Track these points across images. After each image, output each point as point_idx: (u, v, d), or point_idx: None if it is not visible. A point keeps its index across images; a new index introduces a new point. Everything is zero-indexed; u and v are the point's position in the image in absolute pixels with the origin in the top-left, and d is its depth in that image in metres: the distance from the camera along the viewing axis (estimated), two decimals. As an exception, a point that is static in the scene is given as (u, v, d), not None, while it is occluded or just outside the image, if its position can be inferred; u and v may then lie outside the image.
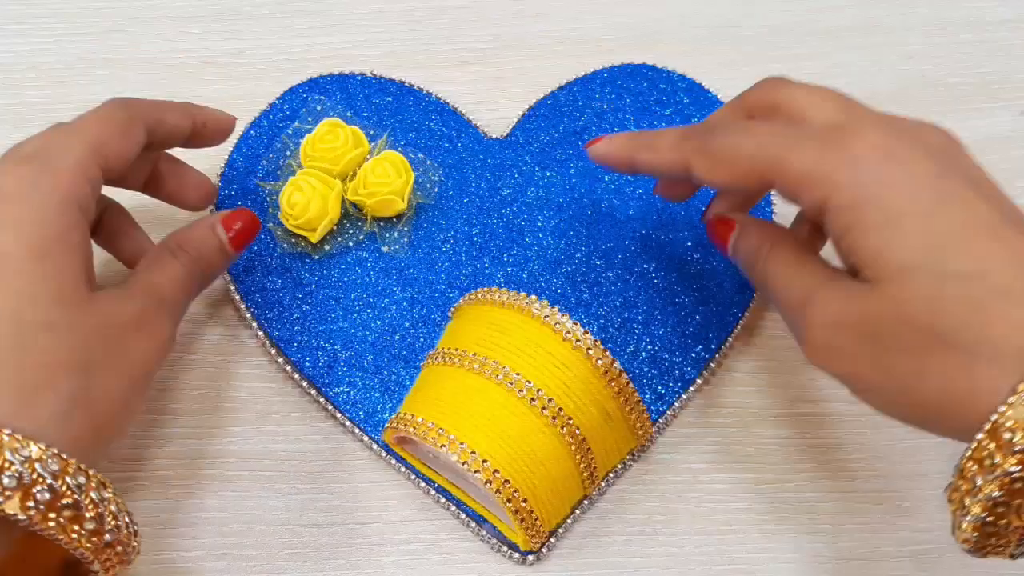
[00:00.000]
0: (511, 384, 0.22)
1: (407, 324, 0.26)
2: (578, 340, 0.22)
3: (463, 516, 0.25)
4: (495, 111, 0.30)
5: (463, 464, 0.22)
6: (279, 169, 0.28)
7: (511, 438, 0.22)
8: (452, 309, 0.26)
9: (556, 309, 0.22)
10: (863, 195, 0.19)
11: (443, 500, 0.25)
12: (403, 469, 0.25)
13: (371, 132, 0.28)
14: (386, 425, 0.24)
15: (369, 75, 0.29)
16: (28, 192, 0.20)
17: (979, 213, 0.18)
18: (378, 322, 0.26)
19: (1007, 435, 0.16)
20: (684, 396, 0.26)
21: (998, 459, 0.17)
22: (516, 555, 0.24)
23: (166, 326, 0.22)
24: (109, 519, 0.19)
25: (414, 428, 0.23)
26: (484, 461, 0.21)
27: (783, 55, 0.32)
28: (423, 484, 0.25)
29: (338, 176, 0.27)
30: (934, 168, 0.19)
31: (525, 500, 0.22)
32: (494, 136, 0.29)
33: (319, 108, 0.28)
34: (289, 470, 0.26)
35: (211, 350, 0.27)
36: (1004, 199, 0.20)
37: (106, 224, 0.25)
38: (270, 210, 0.27)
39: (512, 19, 0.33)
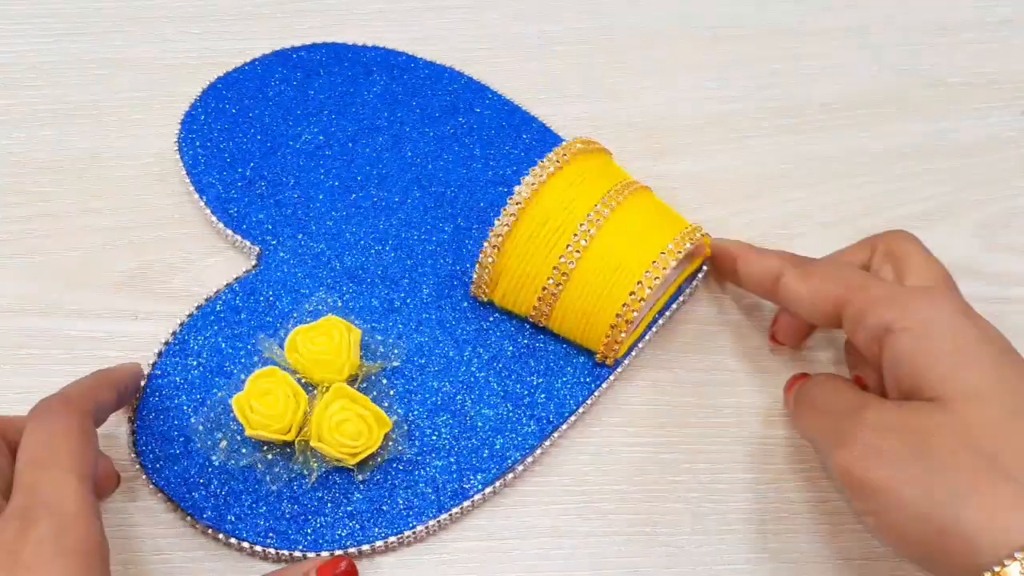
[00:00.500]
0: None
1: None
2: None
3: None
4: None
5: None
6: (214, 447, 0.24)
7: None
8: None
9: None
10: (936, 327, 0.20)
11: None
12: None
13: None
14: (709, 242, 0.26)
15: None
16: (43, 557, 0.18)
17: None
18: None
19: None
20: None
21: None
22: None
23: None
24: None
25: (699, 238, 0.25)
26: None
27: (783, 55, 0.32)
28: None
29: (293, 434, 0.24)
30: (999, 337, 0.20)
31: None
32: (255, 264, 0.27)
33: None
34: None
35: None
36: None
37: None
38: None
39: (512, 20, 0.33)
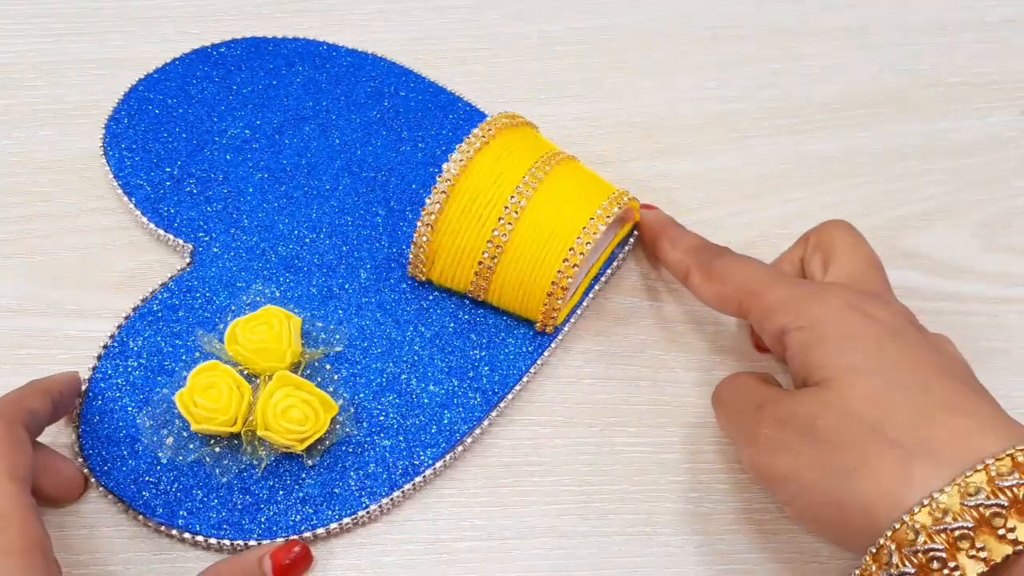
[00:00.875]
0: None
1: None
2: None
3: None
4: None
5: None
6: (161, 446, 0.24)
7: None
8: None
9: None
10: (824, 321, 0.21)
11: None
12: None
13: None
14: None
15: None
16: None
17: (927, 353, 0.20)
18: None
19: (910, 535, 0.17)
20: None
21: (895, 559, 0.17)
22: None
23: None
24: None
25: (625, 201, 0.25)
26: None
27: (783, 55, 0.32)
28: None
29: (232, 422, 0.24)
30: (892, 321, 0.21)
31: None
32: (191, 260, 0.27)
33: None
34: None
35: None
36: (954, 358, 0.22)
37: None
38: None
39: (512, 20, 0.33)
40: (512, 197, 0.24)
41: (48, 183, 0.30)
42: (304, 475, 0.24)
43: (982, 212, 0.30)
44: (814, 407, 0.20)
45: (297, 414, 0.23)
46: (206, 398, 0.23)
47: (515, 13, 0.33)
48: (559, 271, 0.24)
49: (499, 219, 0.24)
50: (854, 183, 0.30)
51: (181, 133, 0.29)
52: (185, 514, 0.23)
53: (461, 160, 0.24)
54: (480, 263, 0.24)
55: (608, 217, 0.24)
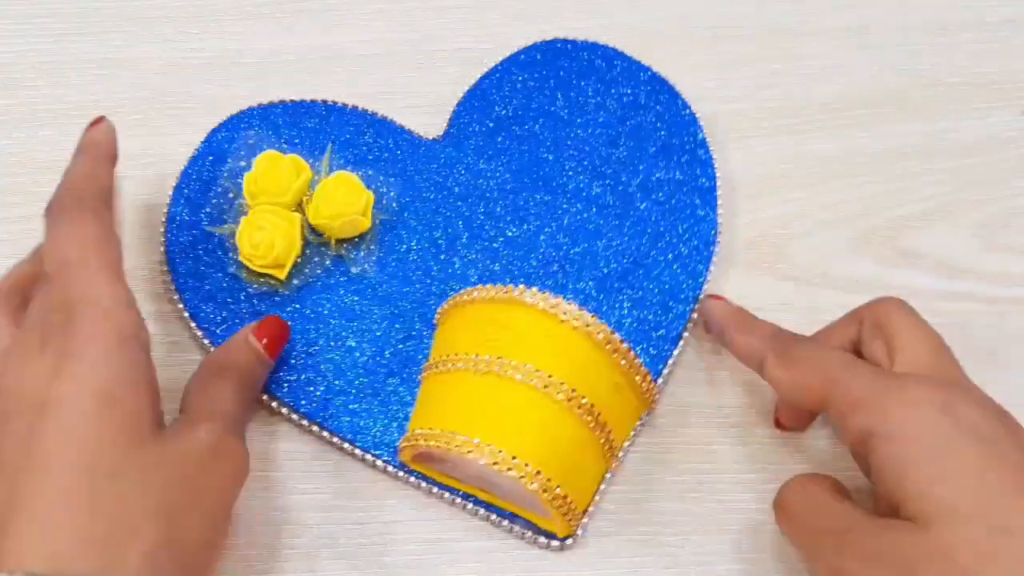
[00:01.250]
0: (521, 376, 0.22)
1: (394, 341, 0.26)
2: (576, 320, 0.22)
3: (494, 517, 0.25)
4: (441, 113, 0.30)
5: (494, 465, 0.21)
6: (226, 212, 0.27)
7: (533, 429, 0.22)
8: (437, 315, 0.26)
9: (547, 293, 0.22)
10: (916, 433, 0.19)
11: (470, 506, 0.25)
12: (424, 485, 0.25)
13: (310, 160, 0.28)
14: (399, 444, 0.24)
15: (288, 101, 0.29)
16: (86, 340, 0.19)
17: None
18: (364, 345, 0.26)
19: None
20: (676, 352, 0.26)
21: None
22: (555, 543, 0.24)
23: (239, 446, 0.22)
24: None
25: (434, 441, 0.22)
26: (514, 458, 0.21)
27: (783, 55, 0.32)
28: (447, 495, 0.25)
29: (290, 206, 0.26)
30: (985, 426, 0.20)
31: (559, 487, 0.22)
32: (430, 137, 0.29)
33: (251, 143, 0.28)
34: (287, 470, 0.25)
35: None
36: None
37: None
38: (231, 254, 0.27)
39: (512, 20, 0.33)
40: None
41: (48, 183, 0.29)
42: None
43: (982, 212, 0.30)
44: (912, 550, 0.18)
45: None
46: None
47: (515, 13, 0.33)
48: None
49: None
50: (854, 183, 0.30)
51: None
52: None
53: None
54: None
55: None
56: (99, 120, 0.25)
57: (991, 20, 0.33)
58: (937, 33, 0.32)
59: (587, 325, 0.22)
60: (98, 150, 0.24)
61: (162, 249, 0.27)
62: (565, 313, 0.22)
